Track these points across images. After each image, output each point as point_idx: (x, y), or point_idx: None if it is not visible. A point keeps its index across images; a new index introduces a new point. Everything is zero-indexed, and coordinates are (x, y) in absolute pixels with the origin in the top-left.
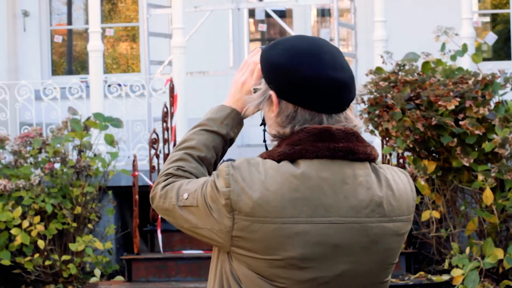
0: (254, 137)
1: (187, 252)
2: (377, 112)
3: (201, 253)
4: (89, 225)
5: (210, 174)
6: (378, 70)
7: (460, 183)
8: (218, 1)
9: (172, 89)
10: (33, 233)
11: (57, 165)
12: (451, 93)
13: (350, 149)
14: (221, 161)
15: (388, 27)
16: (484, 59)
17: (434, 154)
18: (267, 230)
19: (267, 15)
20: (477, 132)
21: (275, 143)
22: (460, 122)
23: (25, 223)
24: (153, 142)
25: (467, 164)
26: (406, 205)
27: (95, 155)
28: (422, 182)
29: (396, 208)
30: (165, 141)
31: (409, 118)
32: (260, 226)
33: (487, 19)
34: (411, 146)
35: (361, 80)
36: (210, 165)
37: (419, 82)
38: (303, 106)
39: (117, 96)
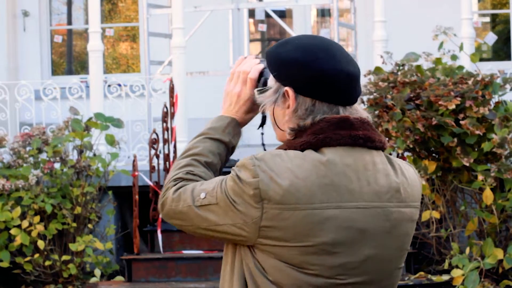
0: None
1: (187, 252)
2: (377, 112)
3: (201, 253)
4: (89, 225)
5: None
6: (377, 70)
7: (460, 183)
8: (218, 1)
9: (172, 89)
10: (33, 233)
11: (57, 165)
12: (452, 93)
13: (369, 137)
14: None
15: (388, 27)
16: (484, 59)
17: (434, 154)
18: (298, 216)
19: (267, 15)
20: (477, 132)
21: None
22: (461, 122)
23: (25, 223)
24: (153, 142)
25: (467, 164)
26: (417, 192)
27: (94, 155)
28: (423, 182)
29: (410, 194)
30: (165, 141)
31: (409, 118)
32: (291, 213)
33: (487, 19)
34: (411, 146)
35: (361, 80)
36: (216, 171)
37: (418, 82)
38: (321, 99)
39: (117, 96)
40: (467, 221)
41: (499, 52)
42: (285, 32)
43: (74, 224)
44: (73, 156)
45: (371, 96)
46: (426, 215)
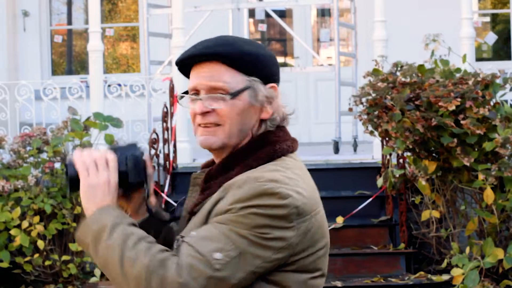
0: None
1: None
2: (376, 113)
3: None
4: None
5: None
6: (375, 71)
7: (460, 183)
8: (218, 1)
9: (172, 89)
10: (33, 233)
11: (57, 165)
12: (452, 94)
13: None
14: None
15: (388, 27)
16: (484, 59)
17: (434, 155)
18: (316, 220)
19: (267, 15)
20: (478, 131)
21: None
22: (462, 122)
23: (25, 223)
24: (153, 142)
25: (468, 164)
26: None
27: None
28: (423, 182)
29: None
30: (165, 141)
31: (409, 119)
32: (314, 220)
33: (487, 19)
34: (410, 146)
35: (361, 80)
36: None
37: (418, 83)
38: (278, 83)
39: (117, 96)
40: (467, 221)
41: (500, 52)
42: (285, 32)
43: (74, 224)
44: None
45: (371, 97)
46: (426, 215)
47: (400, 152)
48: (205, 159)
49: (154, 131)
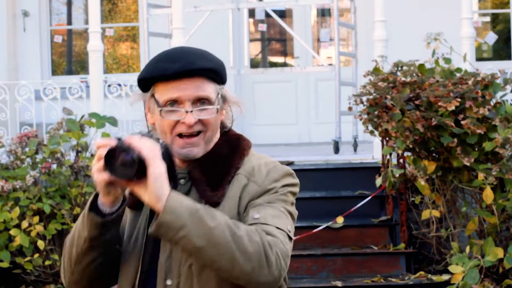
0: (253, 137)
1: None
2: (376, 112)
3: None
4: None
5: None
6: (376, 71)
7: (460, 183)
8: (218, 1)
9: None
10: (33, 233)
11: (54, 166)
12: (451, 94)
13: None
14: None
15: (388, 27)
16: (484, 59)
17: (434, 154)
18: None
19: (267, 15)
20: (478, 131)
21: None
22: (462, 122)
23: (24, 224)
24: None
25: (468, 164)
26: None
27: (92, 155)
28: (423, 182)
29: None
30: None
31: (409, 118)
32: None
33: (487, 19)
34: (410, 146)
35: (361, 80)
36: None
37: (418, 83)
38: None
39: (117, 96)
40: (467, 221)
41: (500, 52)
42: (285, 32)
43: (73, 224)
44: (71, 156)
45: (371, 97)
46: (426, 215)
47: (400, 152)
48: None
49: None
